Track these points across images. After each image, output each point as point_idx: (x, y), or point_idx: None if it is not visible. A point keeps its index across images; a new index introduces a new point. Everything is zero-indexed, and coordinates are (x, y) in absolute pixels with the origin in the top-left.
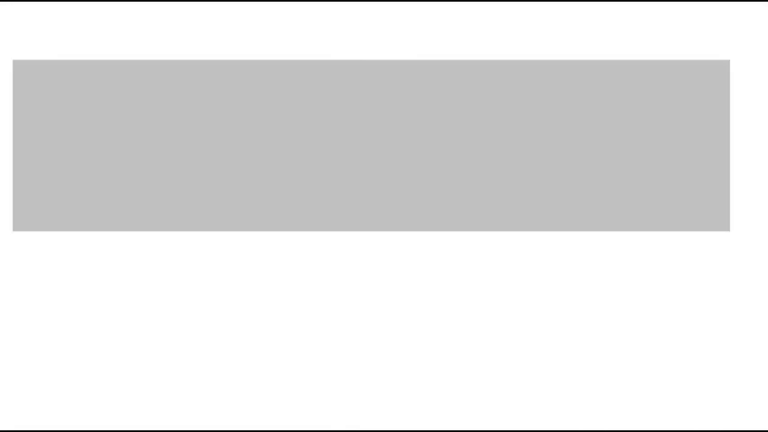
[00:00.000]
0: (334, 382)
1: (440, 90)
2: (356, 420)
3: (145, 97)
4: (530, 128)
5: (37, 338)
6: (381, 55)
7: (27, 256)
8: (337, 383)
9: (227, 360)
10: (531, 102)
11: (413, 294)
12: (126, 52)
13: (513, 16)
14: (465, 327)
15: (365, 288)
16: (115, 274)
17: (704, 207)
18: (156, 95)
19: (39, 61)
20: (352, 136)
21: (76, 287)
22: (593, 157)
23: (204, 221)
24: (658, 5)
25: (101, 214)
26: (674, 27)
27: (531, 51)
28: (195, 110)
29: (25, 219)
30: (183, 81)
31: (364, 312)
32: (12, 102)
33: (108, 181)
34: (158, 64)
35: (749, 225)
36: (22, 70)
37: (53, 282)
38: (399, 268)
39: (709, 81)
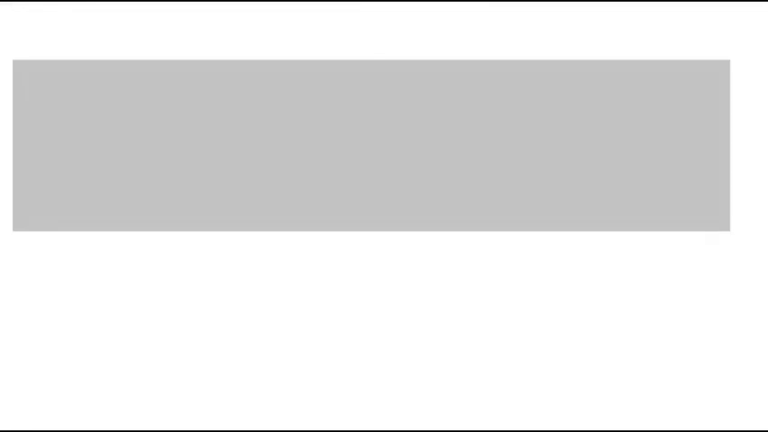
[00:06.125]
0: (334, 382)
1: (440, 90)
2: (356, 420)
3: (145, 97)
4: (530, 128)
5: (37, 338)
6: (381, 55)
7: (27, 256)
8: (337, 383)
9: (227, 360)
10: (531, 102)
11: (413, 294)
12: (126, 52)
13: (513, 16)
14: (465, 327)
15: (365, 288)
16: (115, 274)
17: (704, 207)
18: (156, 95)
19: (39, 61)
20: (352, 136)
21: (77, 287)
22: (593, 157)
23: (204, 221)
24: (658, 5)
25: (101, 214)
26: (674, 27)
27: (531, 51)
28: (195, 110)
29: (25, 219)
30: (183, 81)
31: (364, 312)
32: (12, 102)
33: (108, 181)
34: (158, 64)
35: (749, 225)
36: (22, 70)
37: (53, 282)
38: (399, 268)
39: (709, 81)
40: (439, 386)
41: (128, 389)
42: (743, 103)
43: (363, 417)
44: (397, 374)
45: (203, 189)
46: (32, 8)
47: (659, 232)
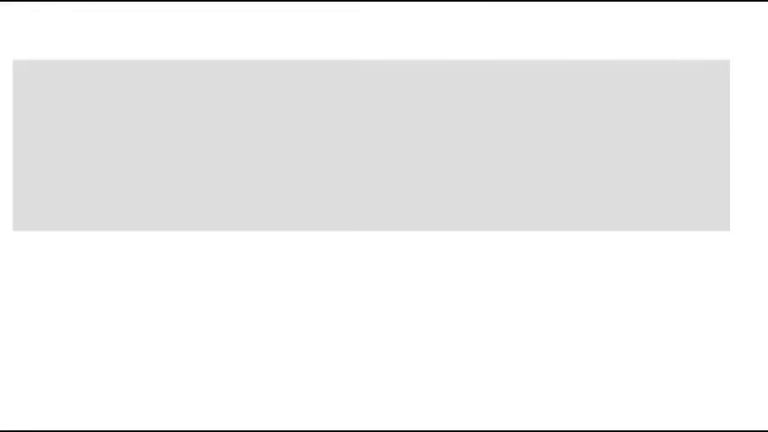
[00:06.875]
0: (334, 383)
1: (440, 90)
2: (356, 420)
3: (145, 97)
4: (530, 128)
5: (37, 338)
6: (381, 55)
7: (27, 256)
8: (337, 383)
9: (227, 360)
10: (531, 102)
11: (413, 294)
12: (126, 52)
13: (513, 16)
14: (465, 327)
15: (365, 288)
16: (115, 274)
17: (704, 207)
18: (156, 95)
19: (39, 61)
20: (351, 136)
21: (77, 287)
22: (593, 157)
23: (204, 221)
24: (658, 5)
25: (101, 214)
26: (674, 27)
27: (531, 51)
28: (195, 110)
29: (25, 219)
30: (183, 81)
31: (364, 312)
32: (12, 102)
33: (108, 181)
34: (158, 64)
35: (749, 225)
36: (22, 70)
37: (53, 282)
38: (399, 268)
39: (710, 81)
40: (439, 386)
41: (128, 389)
42: (743, 103)
43: (363, 417)
44: (396, 374)
45: (203, 189)
46: (32, 8)
47: (659, 232)
